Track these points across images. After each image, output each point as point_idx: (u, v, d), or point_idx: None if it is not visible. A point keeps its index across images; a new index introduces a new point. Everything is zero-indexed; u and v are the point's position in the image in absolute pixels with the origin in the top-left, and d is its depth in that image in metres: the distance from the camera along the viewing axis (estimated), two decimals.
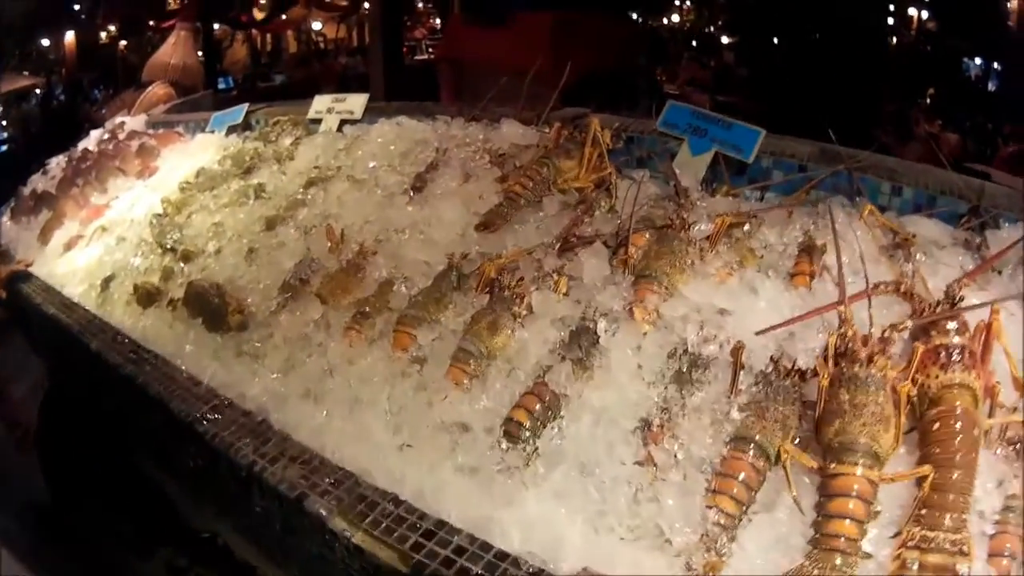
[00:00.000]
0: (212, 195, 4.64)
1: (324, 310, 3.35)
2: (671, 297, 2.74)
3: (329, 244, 3.67)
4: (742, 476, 2.02)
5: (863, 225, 2.85)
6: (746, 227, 3.00)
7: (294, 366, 3.07)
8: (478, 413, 2.56)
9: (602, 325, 2.66)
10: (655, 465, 2.27)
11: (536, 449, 2.44)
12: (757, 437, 2.07)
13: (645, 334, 2.63)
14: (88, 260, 5.06)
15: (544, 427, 2.47)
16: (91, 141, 7.08)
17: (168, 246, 4.35)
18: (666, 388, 2.45)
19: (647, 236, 2.92)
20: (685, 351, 2.55)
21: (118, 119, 7.93)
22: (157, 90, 9.35)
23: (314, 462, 2.56)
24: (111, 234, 5.22)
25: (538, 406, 2.46)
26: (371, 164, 4.26)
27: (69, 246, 5.49)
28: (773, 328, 2.43)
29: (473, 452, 2.47)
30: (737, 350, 2.34)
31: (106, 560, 4.56)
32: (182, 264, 4.12)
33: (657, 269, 2.77)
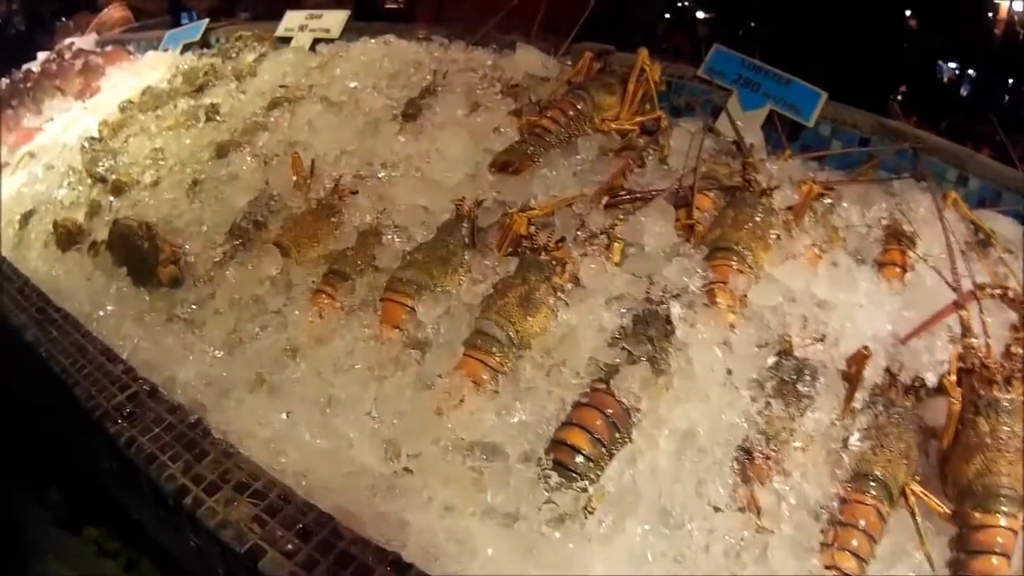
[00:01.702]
0: (155, 116, 3.52)
1: (285, 264, 2.39)
2: (758, 280, 1.98)
3: (295, 178, 2.65)
4: (863, 523, 1.55)
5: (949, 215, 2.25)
6: (827, 200, 2.30)
7: (242, 341, 2.13)
8: (511, 430, 1.67)
9: (676, 311, 1.84)
10: (758, 510, 1.58)
11: (600, 488, 1.57)
12: (879, 473, 1.60)
13: (732, 327, 1.85)
14: (9, 191, 3.90)
15: (611, 456, 1.61)
16: (36, 63, 5.79)
17: (99, 175, 3.25)
18: (768, 404, 1.72)
19: (713, 198, 2.27)
20: (787, 354, 1.82)
21: (67, 40, 6.59)
22: (113, 12, 7.92)
23: (271, 495, 1.58)
24: (39, 161, 4.17)
25: (600, 423, 1.61)
26: (351, 84, 3.24)
27: None
28: (914, 334, 1.91)
29: (507, 490, 1.58)
30: (861, 359, 1.77)
31: (29, 536, 3.47)
32: (111, 198, 3.05)
33: (738, 241, 2.02)
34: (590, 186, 2.31)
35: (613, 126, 2.65)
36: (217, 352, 2.12)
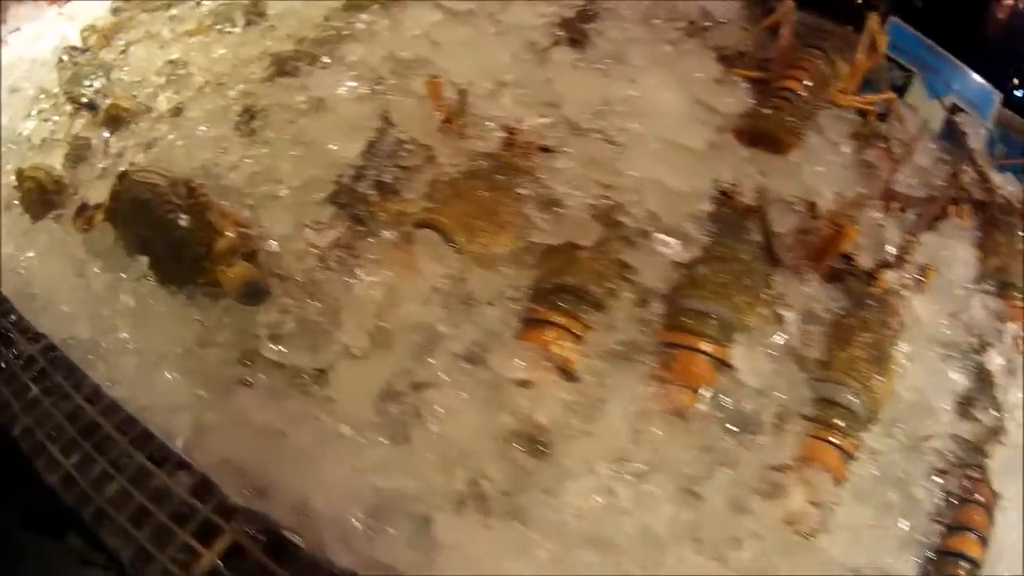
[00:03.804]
0: (168, 17, 2.17)
1: (456, 265, 1.28)
2: None
3: (437, 116, 1.42)
4: None
5: None
6: None
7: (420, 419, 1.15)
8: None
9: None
10: None
11: None
12: None
13: None
14: None
15: None
16: None
17: (84, 99, 1.94)
18: None
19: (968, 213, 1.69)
20: None
21: None
22: None
23: None
24: None
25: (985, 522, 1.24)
26: None
27: None
28: None
29: None
30: None
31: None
32: (106, 133, 1.76)
33: None
34: (852, 182, 1.62)
35: (855, 101, 1.80)
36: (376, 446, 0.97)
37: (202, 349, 1.30)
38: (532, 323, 1.31)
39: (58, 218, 1.69)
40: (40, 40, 2.95)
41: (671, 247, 1.39)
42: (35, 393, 1.32)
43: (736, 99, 1.67)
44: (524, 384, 1.24)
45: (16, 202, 1.86)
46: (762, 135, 1.61)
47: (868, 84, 1.87)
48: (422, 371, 1.25)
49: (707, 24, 1.93)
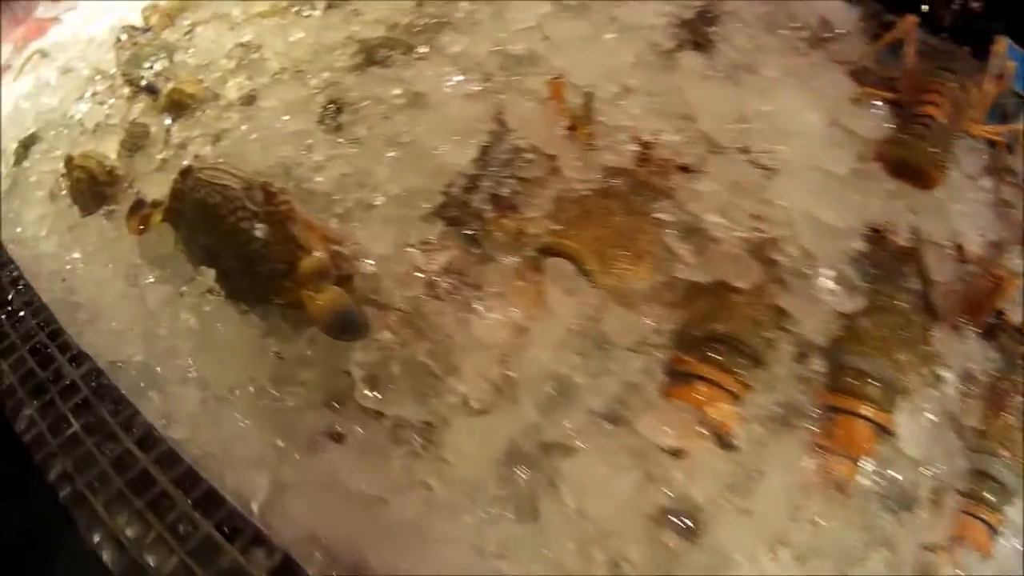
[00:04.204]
0: None
1: (593, 299, 1.07)
2: None
3: (563, 123, 1.15)
4: None
5: None
6: None
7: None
8: None
9: None
10: None
11: None
12: None
13: None
14: (13, 104, 2.34)
15: None
16: None
17: (143, 82, 1.71)
18: None
19: None
20: None
21: None
22: None
23: None
24: (52, 62, 2.55)
25: None
26: None
27: None
28: None
29: None
30: None
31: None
32: (167, 120, 1.53)
33: None
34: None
35: (986, 132, 1.52)
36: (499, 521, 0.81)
37: (281, 388, 1.06)
38: (681, 377, 1.08)
39: (110, 215, 1.46)
40: (96, 19, 2.76)
41: (831, 292, 1.15)
42: (75, 429, 1.08)
43: (875, 122, 1.41)
44: (675, 453, 1.01)
45: (64, 192, 1.65)
46: (906, 166, 1.37)
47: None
48: (554, 431, 1.01)
49: (827, 34, 1.67)
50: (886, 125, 1.40)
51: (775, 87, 1.43)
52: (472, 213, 1.16)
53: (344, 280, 1.04)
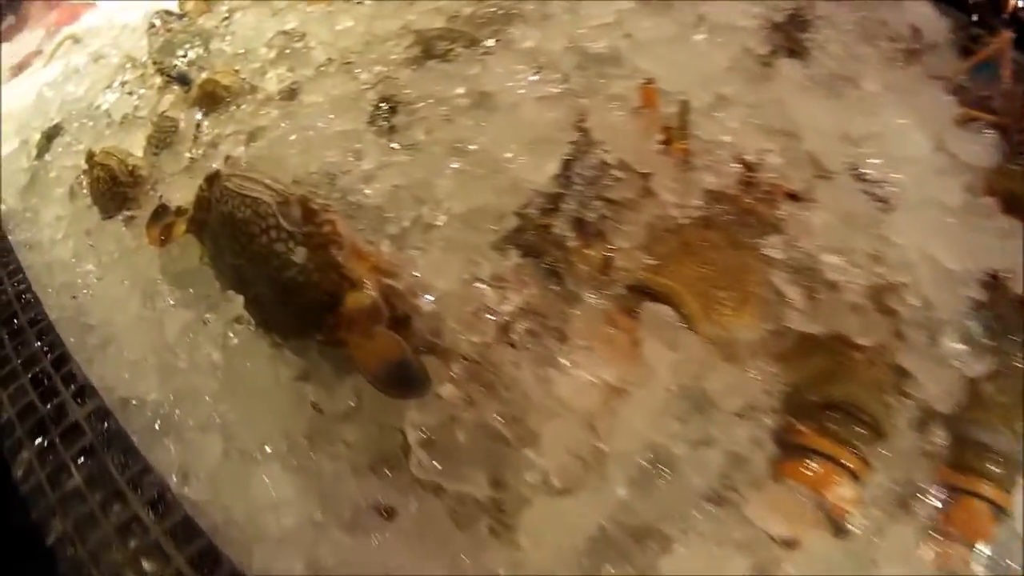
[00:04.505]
0: None
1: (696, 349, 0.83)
2: None
3: (657, 137, 0.94)
4: None
5: None
6: None
7: None
8: None
9: None
10: None
11: None
12: None
13: None
14: (37, 92, 2.19)
15: None
16: None
17: (175, 71, 1.54)
18: None
19: None
20: None
21: None
22: None
23: None
24: (83, 49, 2.43)
25: None
26: None
27: (20, 68, 2.70)
28: None
29: None
30: None
31: None
32: (199, 115, 1.35)
33: None
34: None
35: None
36: None
37: (319, 447, 0.88)
38: (794, 450, 0.90)
39: (129, 221, 1.29)
40: (133, 4, 2.60)
41: (955, 351, 0.97)
42: (78, 482, 0.91)
43: (981, 148, 1.20)
44: (788, 543, 0.81)
45: (84, 191, 1.48)
46: (1019, 202, 1.15)
47: None
48: (648, 514, 0.81)
49: (918, 45, 1.45)
50: (992, 152, 1.19)
51: (878, 103, 1.23)
52: (553, 241, 0.96)
53: (400, 322, 0.85)
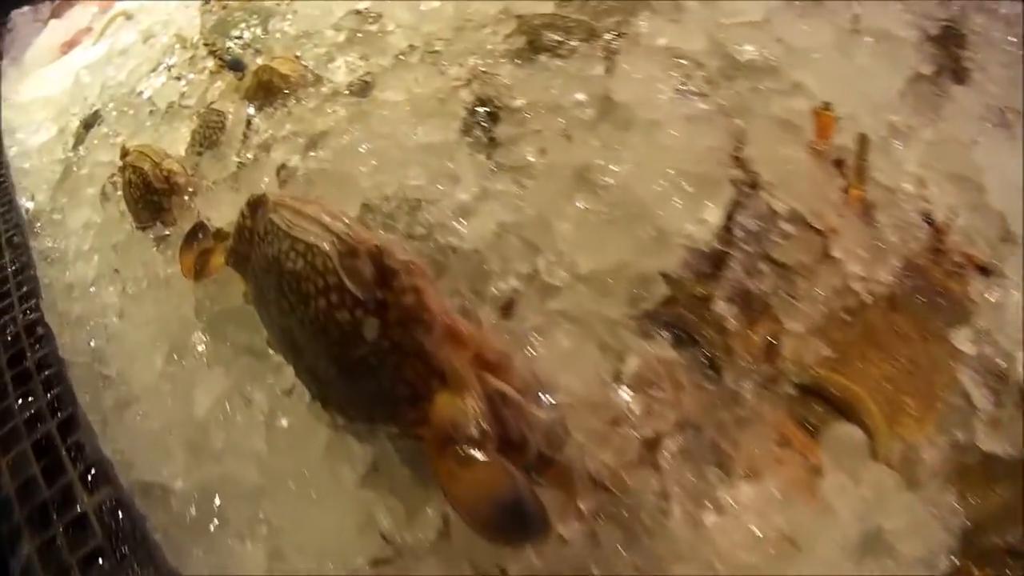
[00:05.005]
0: None
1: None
2: None
3: (833, 172, 0.64)
4: None
5: None
6: None
7: None
8: None
9: None
10: None
11: None
12: None
13: None
14: (82, 75, 1.99)
15: None
16: None
17: (228, 54, 1.30)
18: None
19: None
20: None
21: None
22: None
23: None
24: (134, 26, 2.18)
25: None
26: None
27: (70, 45, 2.51)
28: None
29: None
30: None
31: None
32: (251, 108, 1.12)
33: None
34: None
35: None
36: None
37: None
38: None
39: (161, 241, 1.06)
40: None
41: None
42: None
43: None
44: None
45: (118, 191, 1.27)
46: None
47: None
48: None
49: None
50: None
51: None
52: (713, 322, 0.70)
53: (512, 445, 0.59)
